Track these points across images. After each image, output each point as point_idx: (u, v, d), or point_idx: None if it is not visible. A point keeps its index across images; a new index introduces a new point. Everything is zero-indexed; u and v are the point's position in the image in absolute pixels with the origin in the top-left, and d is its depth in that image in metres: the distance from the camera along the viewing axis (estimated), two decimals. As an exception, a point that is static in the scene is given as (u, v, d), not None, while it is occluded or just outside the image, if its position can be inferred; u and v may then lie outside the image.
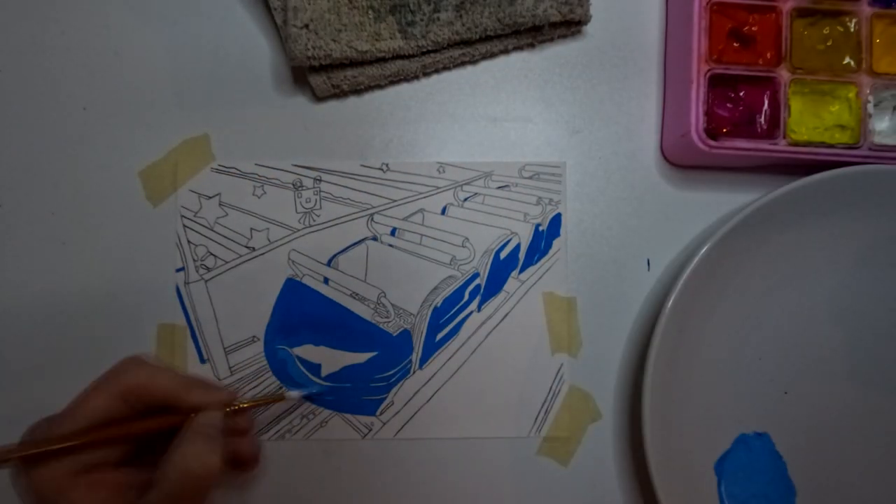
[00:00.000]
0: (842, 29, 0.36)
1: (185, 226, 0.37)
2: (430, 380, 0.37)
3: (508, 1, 0.36)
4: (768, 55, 0.36)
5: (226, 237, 0.37)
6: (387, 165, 0.38)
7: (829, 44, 0.36)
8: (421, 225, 0.37)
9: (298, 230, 0.37)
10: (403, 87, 0.38)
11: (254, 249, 0.37)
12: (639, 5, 0.39)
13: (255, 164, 0.37)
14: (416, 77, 0.38)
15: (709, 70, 0.35)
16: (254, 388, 0.36)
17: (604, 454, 0.37)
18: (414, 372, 0.37)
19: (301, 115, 0.38)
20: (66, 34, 0.38)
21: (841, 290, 0.37)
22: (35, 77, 0.37)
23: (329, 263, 0.37)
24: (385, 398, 0.37)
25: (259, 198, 0.37)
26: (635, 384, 0.37)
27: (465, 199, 0.38)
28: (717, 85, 0.36)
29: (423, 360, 0.37)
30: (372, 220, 0.37)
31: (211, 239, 0.37)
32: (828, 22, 0.36)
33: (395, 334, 0.37)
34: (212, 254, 0.37)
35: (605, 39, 0.39)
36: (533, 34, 0.38)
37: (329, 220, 0.37)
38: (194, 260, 0.37)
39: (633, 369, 0.37)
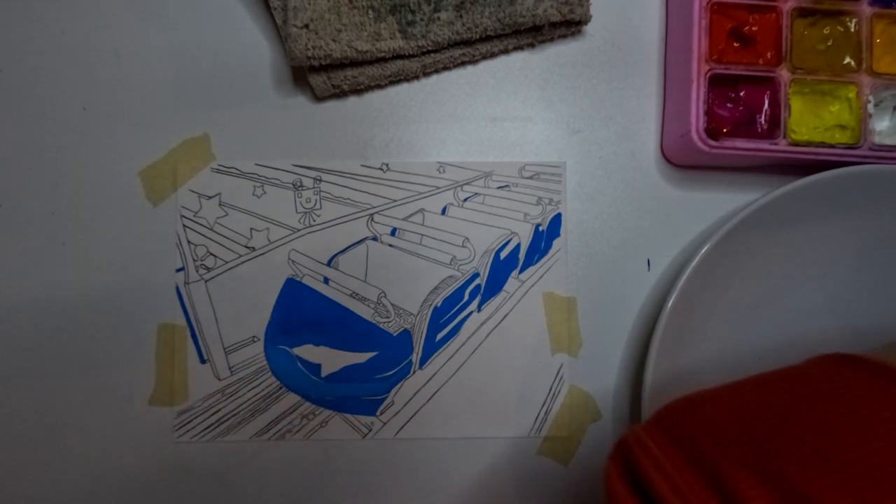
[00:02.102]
0: (842, 29, 0.36)
1: (185, 226, 0.37)
2: (430, 380, 0.37)
3: (509, 1, 0.36)
4: (768, 55, 0.36)
5: (226, 237, 0.37)
6: (387, 165, 0.38)
7: (829, 44, 0.36)
8: (421, 225, 0.37)
9: (298, 230, 0.37)
10: (403, 87, 0.38)
11: (254, 249, 0.37)
12: (639, 5, 0.39)
13: (255, 164, 0.37)
14: (417, 77, 0.38)
15: (709, 70, 0.35)
16: (253, 388, 0.36)
17: (604, 454, 0.37)
18: (414, 372, 0.37)
19: (301, 115, 0.38)
20: (66, 34, 0.38)
21: (841, 290, 0.37)
22: (35, 77, 0.37)
23: (329, 263, 0.37)
24: (385, 398, 0.37)
25: (259, 198, 0.37)
26: (635, 384, 0.37)
27: (466, 199, 0.38)
28: (718, 85, 0.36)
29: (424, 359, 0.37)
30: (372, 220, 0.37)
31: (211, 239, 0.37)
32: (828, 22, 0.36)
33: (395, 334, 0.37)
34: (212, 254, 0.37)
35: (605, 39, 0.39)
36: (533, 34, 0.38)
37: (329, 220, 0.37)
38: (194, 260, 0.37)
39: (633, 369, 0.37)
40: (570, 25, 0.38)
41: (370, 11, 0.35)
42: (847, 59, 0.36)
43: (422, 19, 0.36)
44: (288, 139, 0.38)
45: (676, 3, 0.38)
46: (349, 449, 0.37)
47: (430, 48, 0.36)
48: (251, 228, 0.37)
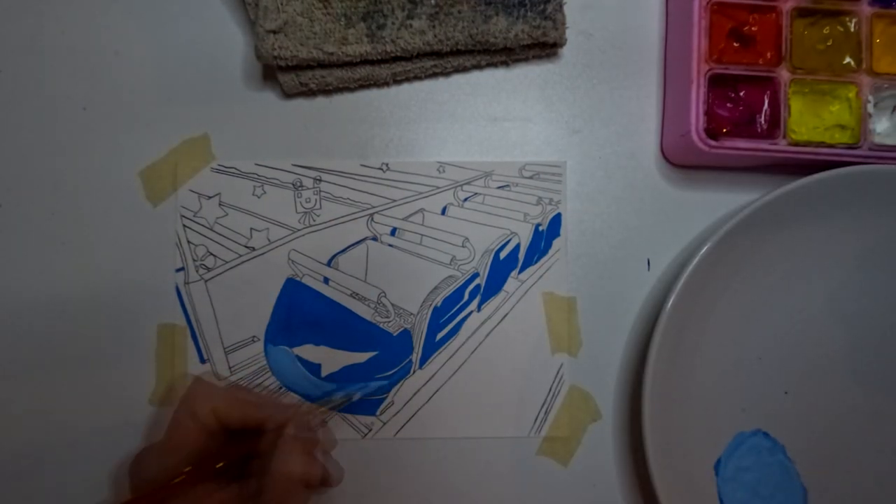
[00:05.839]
0: (842, 29, 0.36)
1: (184, 226, 0.37)
2: (430, 379, 0.37)
3: (483, 19, 0.35)
4: (768, 55, 0.36)
5: (226, 237, 0.37)
6: (387, 165, 0.38)
7: (829, 44, 0.36)
8: (421, 225, 0.37)
9: (298, 230, 0.37)
10: (404, 87, 0.38)
11: (254, 249, 0.37)
12: (639, 5, 0.39)
13: (255, 164, 0.37)
14: (387, 84, 0.38)
15: (709, 70, 0.35)
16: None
17: (604, 454, 0.37)
18: (414, 372, 0.37)
19: (301, 115, 0.38)
20: (66, 34, 0.38)
21: (841, 289, 0.37)
22: (35, 77, 0.37)
23: (329, 263, 0.37)
24: (385, 398, 0.37)
25: (259, 198, 0.37)
26: (635, 384, 0.37)
27: (465, 199, 0.38)
28: (718, 85, 0.36)
29: (424, 359, 0.37)
30: (372, 219, 0.37)
31: (211, 239, 0.37)
32: (828, 22, 0.36)
33: (395, 334, 0.37)
34: (212, 254, 0.37)
35: (605, 39, 0.39)
36: (507, 53, 0.37)
37: (329, 220, 0.37)
38: (194, 260, 0.37)
39: (633, 369, 0.37)
40: (545, 47, 0.38)
41: (342, 19, 0.35)
42: (847, 59, 0.36)
43: (393, 23, 0.35)
44: (288, 139, 0.38)
45: (676, 3, 0.38)
46: (349, 449, 0.36)
47: (398, 54, 0.36)
48: (251, 228, 0.37)
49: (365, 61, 0.36)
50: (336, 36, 0.35)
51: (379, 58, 0.36)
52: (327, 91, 0.38)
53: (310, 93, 0.37)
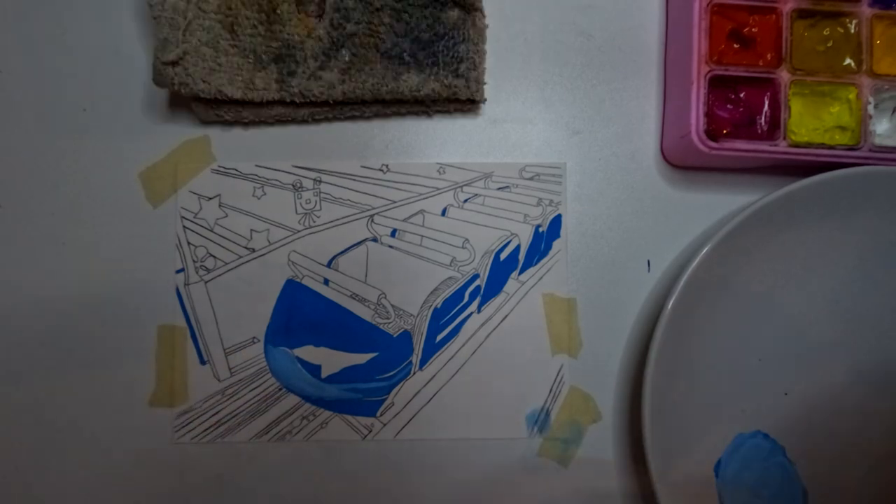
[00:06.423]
0: (842, 30, 0.36)
1: (185, 227, 0.37)
2: (430, 381, 0.37)
3: (393, 76, 0.35)
4: (768, 56, 0.36)
5: (226, 238, 0.37)
6: (387, 166, 0.38)
7: (829, 45, 0.36)
8: (421, 226, 0.37)
9: (298, 231, 0.37)
10: (403, 88, 0.38)
11: (254, 251, 0.37)
12: (639, 5, 0.39)
13: (255, 165, 0.37)
14: (306, 121, 0.37)
15: (709, 71, 0.35)
16: (253, 389, 0.36)
17: (604, 455, 0.37)
18: (414, 373, 0.37)
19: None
20: (66, 34, 0.38)
21: (841, 290, 0.37)
22: (35, 77, 0.37)
23: (329, 265, 0.37)
24: (385, 399, 0.37)
25: (259, 199, 0.37)
26: (635, 384, 0.37)
27: (466, 201, 0.38)
28: (718, 86, 0.36)
29: (424, 360, 0.37)
30: (372, 221, 0.37)
31: (211, 240, 0.37)
32: (828, 23, 0.36)
33: (395, 335, 0.37)
34: (212, 255, 0.37)
35: (605, 39, 0.39)
36: (426, 105, 0.37)
37: (329, 222, 0.37)
38: (194, 261, 0.37)
39: (633, 370, 0.37)
40: (465, 103, 0.37)
41: (251, 55, 0.34)
42: (847, 61, 0.36)
43: (304, 72, 0.34)
44: (288, 140, 0.38)
45: (676, 4, 0.38)
46: (349, 450, 0.37)
47: (308, 102, 0.36)
48: (251, 230, 0.37)
49: (278, 101, 0.36)
50: (243, 76, 0.34)
51: (288, 102, 0.35)
52: (244, 124, 0.37)
53: (226, 123, 0.37)
